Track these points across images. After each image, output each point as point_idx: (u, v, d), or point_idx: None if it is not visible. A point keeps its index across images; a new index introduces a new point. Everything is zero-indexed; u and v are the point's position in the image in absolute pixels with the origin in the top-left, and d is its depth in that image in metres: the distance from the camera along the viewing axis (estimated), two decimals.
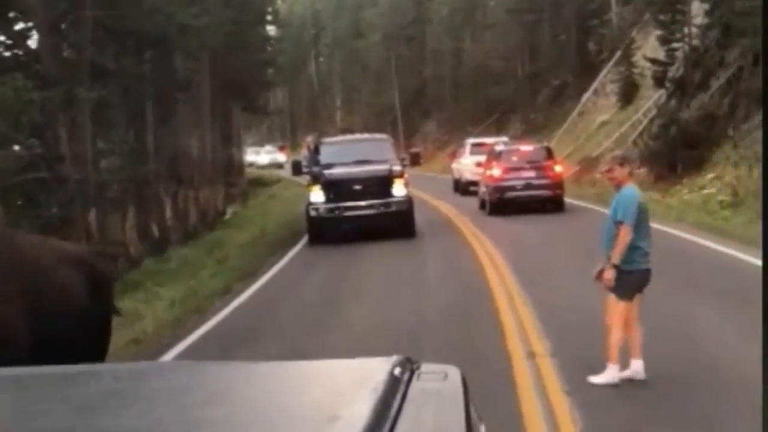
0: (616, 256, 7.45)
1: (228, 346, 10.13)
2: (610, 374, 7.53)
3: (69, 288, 5.09)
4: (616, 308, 7.57)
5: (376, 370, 2.39)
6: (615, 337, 7.55)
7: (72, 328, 4.95)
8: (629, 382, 7.50)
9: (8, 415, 2.05)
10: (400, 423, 1.99)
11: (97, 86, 20.53)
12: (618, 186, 7.70)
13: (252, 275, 15.37)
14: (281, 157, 68.50)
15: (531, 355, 8.64)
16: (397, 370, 2.40)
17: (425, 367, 2.58)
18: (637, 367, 7.58)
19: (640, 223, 7.54)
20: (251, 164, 62.54)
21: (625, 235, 7.43)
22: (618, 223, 7.48)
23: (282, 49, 60.70)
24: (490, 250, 16.32)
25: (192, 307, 12.53)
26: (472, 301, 11.73)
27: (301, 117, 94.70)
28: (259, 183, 50.12)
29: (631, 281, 7.51)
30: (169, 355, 9.67)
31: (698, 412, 6.81)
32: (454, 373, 2.62)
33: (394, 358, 2.49)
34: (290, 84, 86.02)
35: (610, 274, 7.49)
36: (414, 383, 2.35)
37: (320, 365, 2.66)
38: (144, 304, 12.73)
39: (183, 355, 9.65)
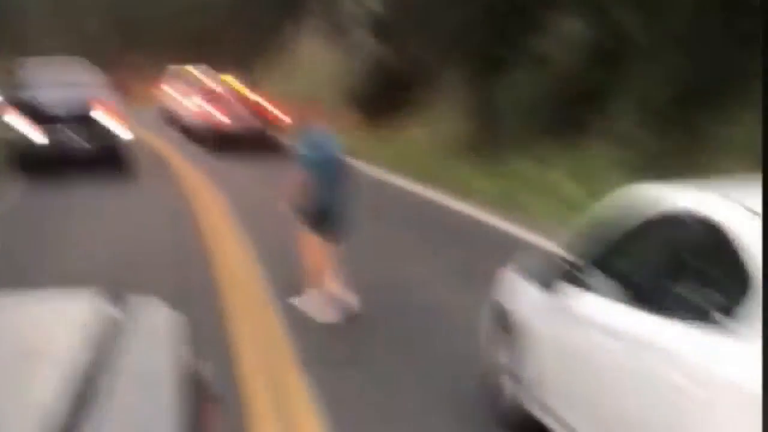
0: (285, 192, 7.93)
1: None
2: (313, 298, 7.91)
3: None
4: (304, 239, 7.98)
5: (81, 302, 2.37)
6: (307, 263, 7.99)
7: None
8: (346, 310, 7.79)
9: None
10: (106, 355, 1.99)
11: None
12: (304, 129, 8.07)
13: None
14: None
15: (245, 283, 8.93)
16: (103, 302, 2.40)
17: (132, 299, 2.57)
18: (347, 298, 7.89)
19: (324, 164, 7.81)
20: None
21: (296, 175, 7.77)
22: (298, 163, 7.83)
23: None
24: (201, 185, 16.29)
25: None
26: (187, 235, 11.64)
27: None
28: None
29: (312, 216, 7.85)
30: None
31: (407, 336, 7.31)
32: (160, 306, 2.65)
33: (100, 290, 2.47)
34: None
35: (282, 206, 8.00)
36: (120, 316, 2.34)
37: (24, 298, 2.57)
38: None
39: None
